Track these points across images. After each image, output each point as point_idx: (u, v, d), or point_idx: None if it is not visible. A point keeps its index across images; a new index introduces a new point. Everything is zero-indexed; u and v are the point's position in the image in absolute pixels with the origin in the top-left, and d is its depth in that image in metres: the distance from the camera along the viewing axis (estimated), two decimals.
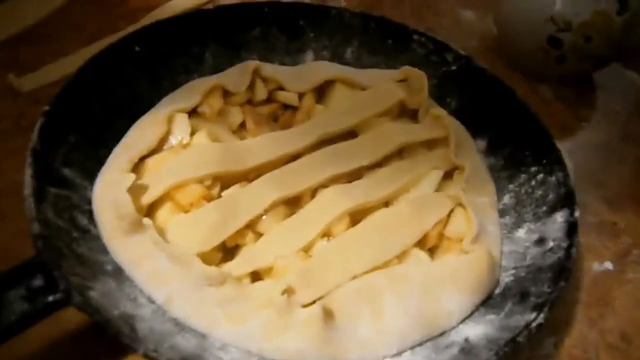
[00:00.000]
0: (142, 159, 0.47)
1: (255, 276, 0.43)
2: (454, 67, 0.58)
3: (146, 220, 0.42)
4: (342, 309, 0.40)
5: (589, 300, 0.48)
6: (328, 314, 0.40)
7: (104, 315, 0.35)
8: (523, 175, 0.51)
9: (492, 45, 0.72)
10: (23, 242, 0.38)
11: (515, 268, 0.45)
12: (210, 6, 0.64)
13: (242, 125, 0.53)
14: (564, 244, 0.44)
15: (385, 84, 0.56)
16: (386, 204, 0.49)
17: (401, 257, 0.44)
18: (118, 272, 0.40)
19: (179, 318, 0.39)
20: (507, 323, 0.40)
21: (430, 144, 0.54)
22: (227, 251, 0.44)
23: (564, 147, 0.51)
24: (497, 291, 0.44)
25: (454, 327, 0.41)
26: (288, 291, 0.40)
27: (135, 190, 0.44)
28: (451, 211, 0.47)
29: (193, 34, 0.56)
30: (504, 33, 0.69)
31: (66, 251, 0.38)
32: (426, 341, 0.40)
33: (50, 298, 0.35)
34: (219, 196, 0.46)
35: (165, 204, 0.45)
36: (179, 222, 0.44)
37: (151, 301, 0.39)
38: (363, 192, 0.47)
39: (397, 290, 0.41)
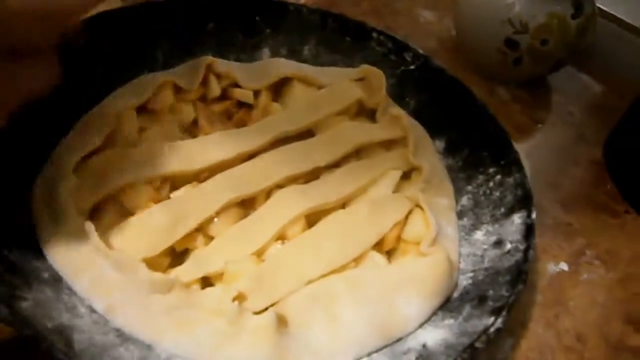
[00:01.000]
0: (86, 158, 0.44)
1: (206, 282, 0.41)
2: (412, 67, 0.57)
3: (88, 225, 0.39)
4: (296, 315, 0.39)
5: (544, 301, 0.49)
6: (281, 321, 0.38)
7: (36, 328, 0.33)
8: (481, 177, 0.50)
9: (451, 47, 0.72)
10: None
11: (473, 271, 0.45)
12: None
13: (195, 123, 0.51)
14: (522, 246, 0.43)
15: (343, 82, 0.55)
16: (343, 205, 0.47)
17: (358, 260, 0.43)
18: (56, 280, 0.38)
19: (122, 328, 0.36)
20: (466, 328, 0.39)
21: (388, 144, 0.53)
22: (176, 256, 0.42)
23: (521, 148, 0.51)
24: (456, 294, 0.43)
25: (411, 332, 0.40)
26: (239, 297, 0.38)
27: (77, 192, 0.41)
28: (409, 213, 0.46)
29: (142, 27, 0.53)
30: (462, 34, 0.69)
31: None
32: (383, 347, 0.39)
33: None
34: (168, 198, 0.44)
35: (110, 206, 0.43)
36: (124, 226, 0.41)
37: (92, 310, 0.37)
38: (320, 193, 0.46)
39: (354, 295, 0.40)
